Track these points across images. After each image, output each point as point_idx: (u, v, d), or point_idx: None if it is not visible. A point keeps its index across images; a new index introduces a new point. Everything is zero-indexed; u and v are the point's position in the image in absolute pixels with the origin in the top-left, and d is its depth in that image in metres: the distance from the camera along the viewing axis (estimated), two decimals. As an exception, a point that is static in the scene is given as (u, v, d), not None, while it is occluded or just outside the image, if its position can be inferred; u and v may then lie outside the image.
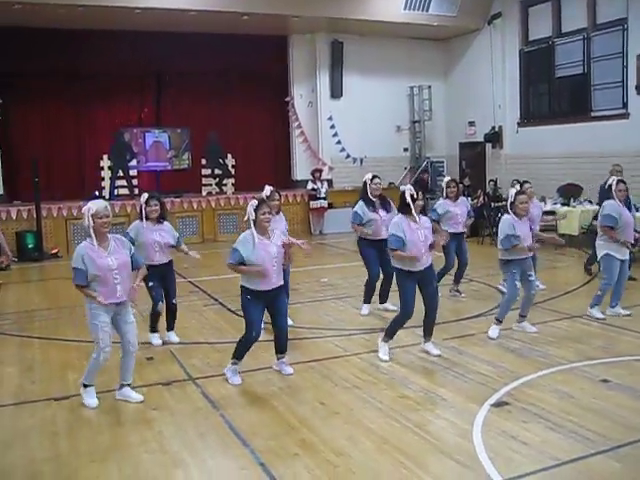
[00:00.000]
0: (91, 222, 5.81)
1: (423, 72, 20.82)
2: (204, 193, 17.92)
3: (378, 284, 9.20)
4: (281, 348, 6.76)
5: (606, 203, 8.60)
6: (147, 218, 7.78)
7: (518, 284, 7.80)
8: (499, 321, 7.92)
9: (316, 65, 19.71)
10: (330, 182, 19.32)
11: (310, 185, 18.39)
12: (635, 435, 5.08)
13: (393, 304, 9.04)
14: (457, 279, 10.17)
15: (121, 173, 17.27)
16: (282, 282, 6.56)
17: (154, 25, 16.80)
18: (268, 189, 8.31)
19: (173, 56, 18.01)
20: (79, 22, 16.12)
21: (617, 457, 4.76)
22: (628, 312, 8.67)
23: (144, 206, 7.78)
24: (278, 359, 6.83)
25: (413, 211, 6.91)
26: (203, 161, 18.11)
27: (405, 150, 21.23)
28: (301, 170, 19.80)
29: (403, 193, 7.00)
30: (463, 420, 5.48)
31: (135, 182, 17.53)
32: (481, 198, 16.14)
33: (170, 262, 8.08)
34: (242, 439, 5.28)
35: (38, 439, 5.43)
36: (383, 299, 9.33)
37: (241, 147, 19.28)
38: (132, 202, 16.60)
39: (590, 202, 14.75)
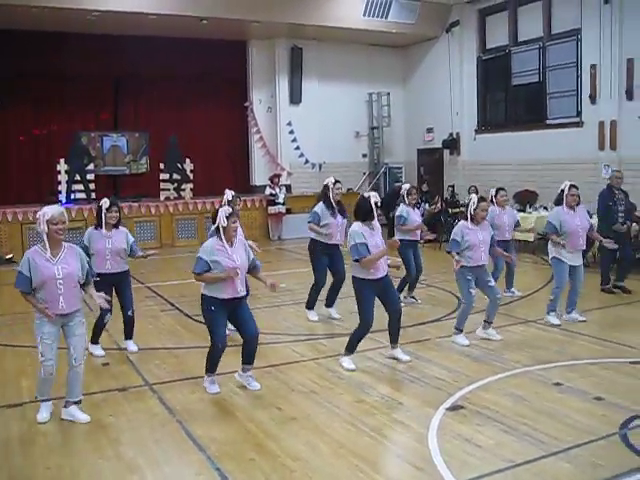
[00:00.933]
0: (45, 227, 5.56)
1: (382, 78, 20.97)
2: (162, 198, 17.79)
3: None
4: (248, 359, 6.46)
5: (553, 209, 8.81)
6: (105, 225, 7.61)
7: (473, 291, 7.85)
8: (459, 330, 7.96)
9: (275, 70, 19.72)
10: (289, 187, 19.34)
11: (268, 190, 18.39)
12: (585, 437, 5.19)
13: (337, 312, 9.11)
14: (411, 286, 10.18)
15: (78, 177, 17.04)
16: (245, 292, 6.41)
17: (113, 28, 16.66)
18: (229, 193, 8.29)
19: (132, 60, 17.87)
20: (35, 24, 15.91)
21: (568, 458, 4.86)
22: (584, 318, 8.80)
23: (104, 212, 7.57)
24: (244, 371, 6.55)
25: (375, 219, 6.97)
26: (161, 165, 17.98)
27: (364, 156, 21.36)
28: (260, 175, 19.79)
29: (367, 199, 6.96)
30: (419, 424, 5.53)
31: (92, 186, 17.30)
32: (439, 204, 16.30)
33: (125, 272, 7.79)
34: (198, 444, 5.26)
35: (-10, 447, 5.36)
36: (329, 303, 9.32)
37: (200, 152, 19.17)
38: (89, 206, 16.42)
39: (545, 208, 14.98)
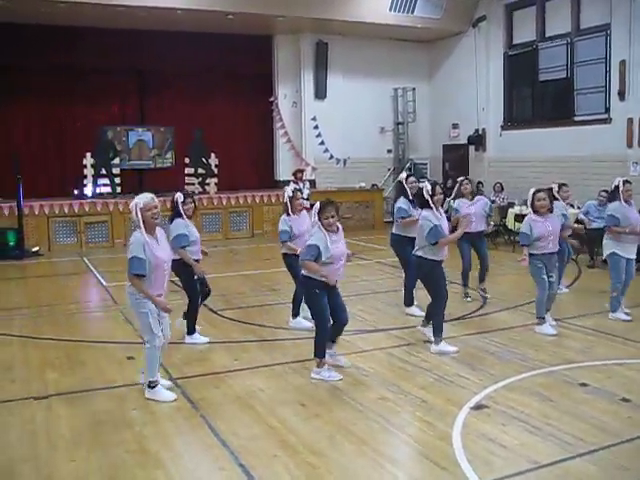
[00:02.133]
0: (140, 216, 5.83)
1: (407, 74, 20.88)
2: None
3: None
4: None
5: (610, 204, 8.81)
6: (186, 216, 7.87)
7: (545, 277, 8.13)
8: (541, 318, 8.23)
9: (300, 65, 19.71)
10: (313, 182, 19.32)
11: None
12: (611, 439, 5.13)
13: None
14: (480, 278, 10.23)
15: (104, 171, 17.17)
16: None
17: (139, 23, 16.77)
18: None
19: (158, 54, 17.98)
20: (62, 19, 16.08)
21: (593, 460, 4.80)
22: (629, 318, 8.63)
23: (181, 205, 7.83)
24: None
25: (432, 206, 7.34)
26: (186, 160, 18.05)
27: (389, 152, 21.29)
28: (284, 170, 19.79)
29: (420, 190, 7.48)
30: (443, 423, 5.50)
31: (118, 180, 17.42)
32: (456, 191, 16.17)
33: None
34: (222, 439, 5.27)
35: (17, 438, 5.40)
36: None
37: (224, 146, 19.23)
38: (114, 201, 16.55)
39: (572, 206, 14.82)
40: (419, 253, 7.44)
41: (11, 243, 15.19)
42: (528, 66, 18.10)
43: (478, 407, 5.81)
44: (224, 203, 17.92)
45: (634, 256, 8.73)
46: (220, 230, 17.97)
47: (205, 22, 17.08)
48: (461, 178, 10.39)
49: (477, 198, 10.14)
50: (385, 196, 20.53)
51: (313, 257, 6.47)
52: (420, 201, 7.57)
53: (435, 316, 7.50)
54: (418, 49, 21.19)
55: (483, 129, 19.36)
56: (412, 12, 18.47)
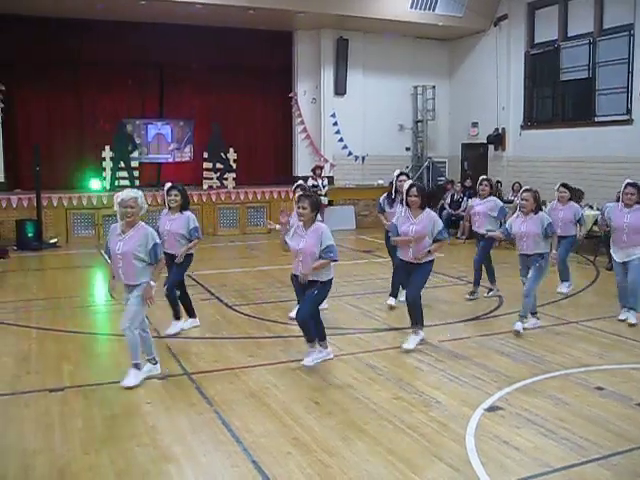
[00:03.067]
0: (117, 208, 6.32)
1: (428, 71, 20.79)
2: (205, 187, 17.90)
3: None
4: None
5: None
6: (169, 207, 8.04)
7: (522, 279, 8.29)
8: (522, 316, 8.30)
9: (320, 61, 19.67)
10: (331, 179, 19.29)
11: (310, 182, 18.35)
12: (627, 444, 5.09)
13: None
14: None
15: (122, 164, 17.24)
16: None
17: (160, 17, 16.83)
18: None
19: (178, 48, 18.02)
20: (84, 11, 16.14)
21: (608, 466, 4.76)
22: (634, 321, 8.53)
23: (165, 196, 8.06)
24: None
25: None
26: (205, 154, 18.08)
27: (407, 149, 21.21)
28: (302, 166, 19.75)
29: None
30: (456, 424, 5.48)
31: (136, 174, 17.49)
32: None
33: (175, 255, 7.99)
34: (235, 436, 5.28)
35: (32, 430, 5.43)
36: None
37: (243, 141, 19.27)
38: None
39: (591, 207, 14.74)
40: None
41: (30, 234, 15.29)
42: (549, 66, 17.96)
43: (492, 409, 5.79)
44: (242, 198, 17.95)
45: (627, 259, 8.49)
46: (237, 225, 18.02)
47: (226, 17, 17.09)
48: (482, 177, 10.41)
49: (489, 199, 10.08)
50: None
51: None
52: (402, 198, 7.88)
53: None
54: (439, 47, 21.10)
55: (503, 128, 19.25)
56: (433, 10, 18.39)
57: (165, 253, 7.66)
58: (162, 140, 18.28)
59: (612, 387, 6.29)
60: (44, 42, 16.88)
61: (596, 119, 16.57)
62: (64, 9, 15.90)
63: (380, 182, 19.78)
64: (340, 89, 19.80)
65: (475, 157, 20.35)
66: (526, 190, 8.28)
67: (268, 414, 5.73)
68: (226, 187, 18.07)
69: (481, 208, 9.95)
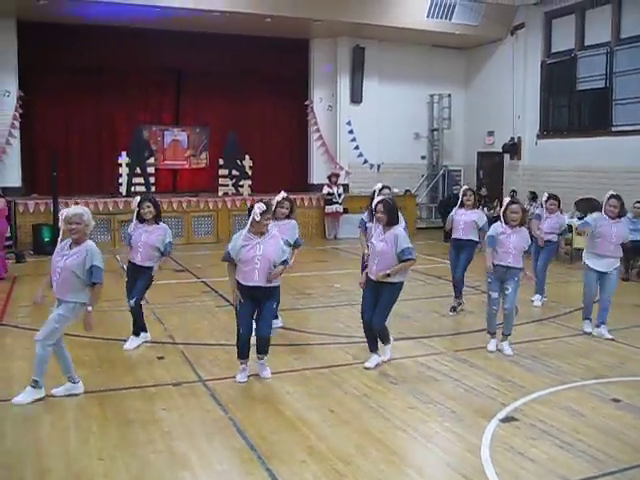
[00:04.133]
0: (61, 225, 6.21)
1: (444, 80, 20.81)
2: (220, 193, 17.95)
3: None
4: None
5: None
6: (142, 220, 7.87)
7: (493, 294, 7.83)
8: (490, 333, 8.04)
9: (337, 69, 19.72)
10: (346, 187, 19.30)
11: (326, 189, 18.39)
12: (644, 457, 5.06)
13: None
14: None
15: (139, 170, 17.32)
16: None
17: (178, 24, 16.90)
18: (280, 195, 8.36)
19: (195, 55, 18.15)
20: (102, 19, 16.22)
21: (624, 479, 4.73)
22: (611, 337, 8.41)
23: (135, 207, 7.87)
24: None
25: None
26: (221, 161, 18.14)
27: (423, 158, 21.23)
28: (318, 174, 19.80)
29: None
30: (471, 434, 5.46)
31: (152, 180, 17.57)
32: (498, 208, 16.08)
33: (148, 268, 7.87)
34: (250, 443, 5.28)
35: (48, 434, 5.46)
36: None
37: (259, 149, 19.33)
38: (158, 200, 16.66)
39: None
40: None
41: (46, 239, 15.37)
42: (566, 75, 17.94)
43: (507, 420, 5.76)
44: (257, 205, 17.96)
45: (609, 270, 8.44)
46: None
47: (243, 24, 17.17)
48: (465, 187, 10.26)
49: (474, 211, 9.90)
50: (418, 202, 20.47)
51: (225, 258, 6.71)
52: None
53: None
54: (455, 55, 21.12)
55: (519, 137, 19.22)
56: (450, 18, 18.41)
57: (132, 264, 7.87)
58: (178, 146, 18.38)
59: (628, 399, 6.25)
60: (63, 49, 17.04)
61: (613, 129, 16.53)
62: (80, 15, 15.99)
63: (395, 190, 19.73)
64: (356, 97, 19.85)
65: (491, 166, 20.33)
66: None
67: (283, 422, 5.73)
68: (241, 194, 18.12)
69: (467, 217, 9.76)
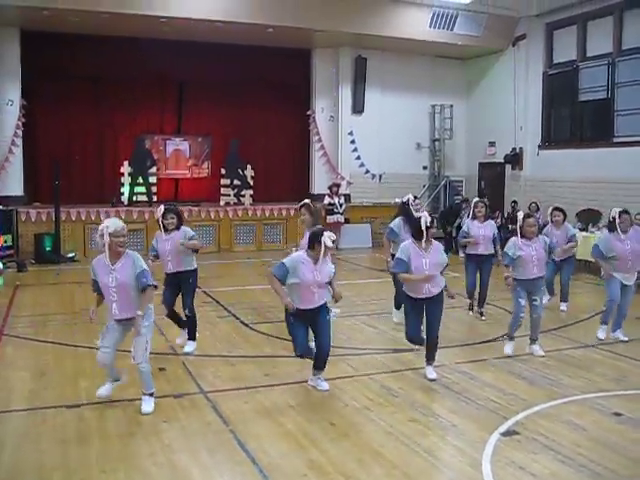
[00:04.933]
0: (107, 239, 5.98)
1: (445, 90, 20.84)
2: (222, 203, 17.97)
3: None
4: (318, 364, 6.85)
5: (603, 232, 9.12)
6: (165, 229, 7.95)
7: (522, 301, 8.04)
8: (510, 337, 8.23)
9: (339, 79, 19.75)
10: (348, 197, 19.31)
11: (327, 200, 18.39)
12: (645, 472, 5.05)
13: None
14: (479, 301, 10.27)
15: (141, 180, 17.34)
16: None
17: (179, 34, 16.95)
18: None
19: (197, 65, 18.18)
20: (105, 29, 16.30)
21: (627, 494, 4.74)
22: (627, 338, 8.76)
23: (161, 219, 7.96)
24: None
25: (424, 239, 7.07)
26: (222, 171, 18.16)
27: (424, 168, 21.22)
28: (319, 184, 19.80)
29: (418, 219, 7.10)
30: (473, 448, 5.45)
31: (154, 189, 17.60)
32: (499, 219, 16.11)
33: (186, 272, 8.05)
34: (251, 457, 5.28)
35: (48, 446, 5.46)
36: None
37: (261, 158, 19.35)
38: (150, 209, 16.71)
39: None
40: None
41: (48, 248, 15.41)
42: (568, 86, 17.96)
43: (509, 433, 5.75)
44: (258, 215, 18.00)
45: (631, 282, 8.74)
46: (254, 242, 18.07)
47: (245, 35, 17.21)
48: (476, 200, 10.41)
49: (487, 222, 10.07)
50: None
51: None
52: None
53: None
54: (457, 66, 21.16)
55: (520, 148, 19.23)
56: (452, 29, 18.45)
57: (167, 274, 7.99)
58: (180, 156, 18.41)
59: (630, 413, 6.24)
60: (65, 58, 17.12)
61: (615, 140, 16.54)
62: (86, 26, 16.07)
63: (397, 200, 19.74)
64: (358, 107, 19.88)
65: (492, 176, 20.34)
66: (529, 216, 8.19)
67: (284, 435, 5.73)
68: (243, 204, 18.13)
69: (485, 231, 9.96)
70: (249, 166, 18.27)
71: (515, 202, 18.05)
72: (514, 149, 19.33)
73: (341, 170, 19.87)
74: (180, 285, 8.06)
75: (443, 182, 21.02)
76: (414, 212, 8.87)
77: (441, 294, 7.17)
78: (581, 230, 14.77)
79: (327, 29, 17.51)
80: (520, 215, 8.16)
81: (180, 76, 18.89)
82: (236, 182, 18.19)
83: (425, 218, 7.03)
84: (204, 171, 18.68)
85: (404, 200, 9.43)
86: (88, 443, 5.52)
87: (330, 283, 6.82)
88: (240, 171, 18.16)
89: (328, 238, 6.56)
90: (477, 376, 7.34)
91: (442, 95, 20.80)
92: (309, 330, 6.80)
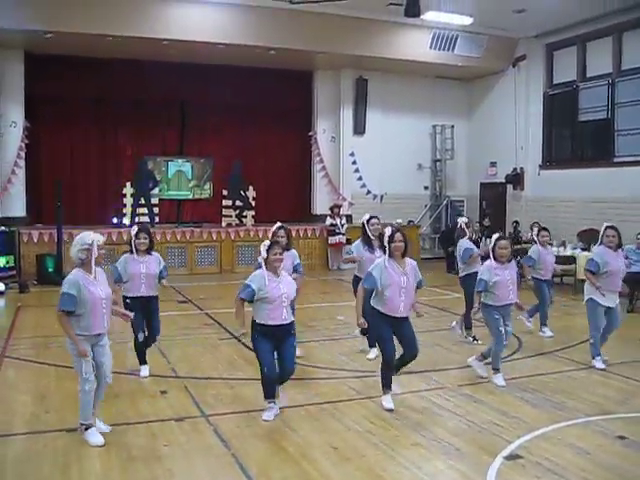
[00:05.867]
0: (96, 252, 5.95)
1: (446, 111, 20.94)
2: (224, 224, 17.99)
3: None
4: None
5: (595, 248, 8.77)
6: (136, 250, 7.96)
7: (502, 329, 7.79)
8: (497, 370, 7.91)
9: (340, 101, 19.86)
10: (349, 217, 19.33)
11: (329, 221, 18.41)
12: (650, 497, 5.01)
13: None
14: (467, 324, 10.04)
15: (143, 201, 17.38)
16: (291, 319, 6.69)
17: (182, 56, 17.08)
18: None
19: (199, 86, 18.33)
20: (108, 51, 16.43)
21: (631, 519, 4.70)
22: (604, 366, 8.50)
23: (134, 239, 7.96)
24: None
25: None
26: (224, 192, 18.20)
27: (425, 188, 21.30)
28: (321, 204, 19.85)
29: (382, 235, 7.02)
30: (475, 472, 5.41)
31: (156, 210, 17.63)
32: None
33: (156, 297, 8.11)
34: (253, 481, 5.26)
35: (50, 470, 5.43)
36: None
37: (262, 179, 19.41)
38: (152, 230, 16.65)
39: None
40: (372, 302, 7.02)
41: (50, 269, 15.40)
42: (568, 106, 18.06)
43: (512, 457, 5.71)
44: (260, 236, 17.97)
45: (614, 304, 8.46)
46: (255, 262, 18.03)
47: (247, 57, 17.34)
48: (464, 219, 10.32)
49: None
50: (421, 232, 20.51)
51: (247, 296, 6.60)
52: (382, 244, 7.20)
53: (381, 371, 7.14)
54: (457, 87, 21.28)
55: (521, 168, 19.29)
56: (452, 50, 18.57)
57: (141, 297, 7.92)
58: (182, 177, 18.45)
59: (634, 436, 6.18)
60: (68, 80, 17.22)
61: (615, 159, 16.59)
62: (90, 48, 16.20)
63: (399, 221, 19.78)
64: (359, 128, 19.97)
65: (494, 196, 20.38)
66: (502, 238, 7.94)
67: (286, 459, 5.69)
68: (245, 225, 18.15)
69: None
70: (251, 187, 18.30)
71: (517, 222, 18.06)
72: (515, 169, 19.40)
73: (342, 191, 19.93)
74: (150, 309, 8.01)
75: (444, 202, 21.08)
76: (369, 232, 8.85)
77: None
78: (582, 250, 14.74)
79: (329, 51, 17.65)
80: (494, 237, 7.87)
81: (182, 98, 19.02)
82: (238, 203, 18.22)
83: (386, 232, 6.90)
84: (206, 192, 18.70)
85: (363, 220, 9.23)
86: (89, 468, 5.49)
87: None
88: (242, 192, 18.20)
89: (262, 247, 6.56)
90: (480, 399, 7.30)
91: (443, 116, 20.91)
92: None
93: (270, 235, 8.13)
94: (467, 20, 17.06)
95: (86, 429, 6.00)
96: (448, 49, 18.51)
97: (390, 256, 6.85)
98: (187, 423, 6.53)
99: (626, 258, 12.73)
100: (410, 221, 20.13)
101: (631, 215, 15.13)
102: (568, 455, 5.76)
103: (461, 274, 9.89)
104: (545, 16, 16.77)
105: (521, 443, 6.01)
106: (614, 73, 16.69)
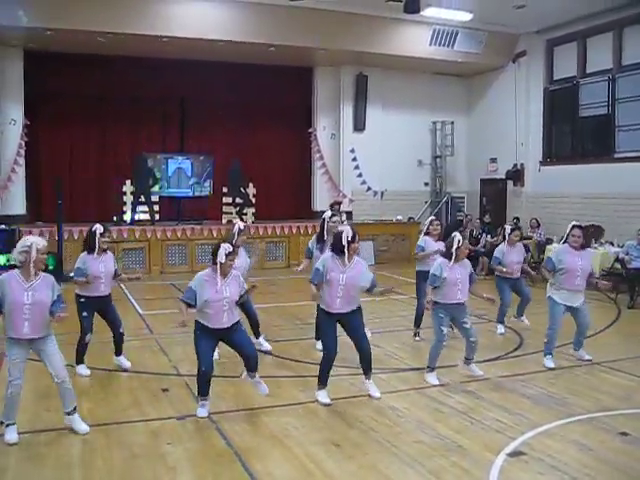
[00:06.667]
0: (34, 255, 5.91)
1: (446, 107, 20.90)
2: (224, 221, 17.97)
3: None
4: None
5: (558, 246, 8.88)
6: (98, 249, 7.94)
7: (444, 329, 7.72)
8: (430, 368, 7.85)
9: (340, 97, 19.82)
10: (350, 214, 19.29)
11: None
12: (654, 493, 5.01)
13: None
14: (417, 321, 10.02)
15: (143, 198, 17.36)
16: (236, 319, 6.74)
17: (181, 53, 17.04)
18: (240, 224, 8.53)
19: (199, 83, 18.27)
20: (107, 49, 16.38)
21: (634, 516, 4.69)
22: (590, 357, 8.62)
23: (98, 237, 7.91)
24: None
25: (346, 255, 6.90)
26: (224, 189, 18.17)
27: (426, 185, 21.26)
28: (321, 201, 19.79)
29: (340, 234, 6.99)
30: (479, 469, 5.41)
31: (156, 208, 17.61)
32: (501, 236, 16.05)
33: (110, 295, 8.19)
34: (256, 479, 5.24)
35: (52, 469, 5.43)
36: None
37: (263, 176, 19.35)
38: (152, 228, 16.74)
39: (612, 244, 14.71)
40: None
41: (50, 267, 15.31)
42: (568, 102, 18.03)
43: (515, 454, 5.71)
44: (261, 233, 17.97)
45: (579, 303, 8.40)
46: (256, 260, 18.03)
47: (247, 53, 17.30)
48: (431, 218, 10.17)
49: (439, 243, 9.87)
50: (421, 229, 20.47)
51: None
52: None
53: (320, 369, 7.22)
54: (457, 83, 21.24)
55: (522, 164, 19.26)
56: (452, 46, 18.53)
57: (97, 297, 8.00)
58: (182, 174, 18.41)
59: (636, 432, 6.18)
60: (68, 77, 17.15)
61: (615, 155, 16.57)
62: (89, 46, 16.16)
63: (399, 217, 19.81)
64: (359, 125, 19.93)
65: (494, 193, 20.34)
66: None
67: (289, 457, 5.69)
68: (245, 222, 18.10)
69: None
70: (251, 184, 18.28)
71: (517, 219, 18.04)
72: (515, 165, 19.36)
73: (343, 187, 19.89)
74: (105, 308, 8.12)
75: (445, 199, 21.05)
76: (328, 228, 8.91)
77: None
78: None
79: (328, 48, 17.59)
80: (457, 237, 7.70)
81: (182, 95, 18.98)
82: (238, 200, 18.20)
83: (346, 232, 6.90)
84: (206, 189, 18.67)
85: (323, 217, 9.24)
86: (92, 466, 5.49)
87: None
88: (242, 189, 18.17)
89: (223, 251, 6.45)
90: (482, 396, 7.30)
91: (443, 112, 20.86)
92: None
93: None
94: (467, 16, 17.04)
95: (7, 426, 6.01)
96: (448, 45, 18.47)
97: (341, 253, 6.90)
98: (189, 421, 6.51)
99: (627, 254, 12.82)
100: (410, 217, 20.11)
101: (632, 210, 15.13)
102: (571, 451, 5.76)
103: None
104: (545, 12, 16.72)
105: (524, 440, 6.01)
106: (614, 69, 16.65)
